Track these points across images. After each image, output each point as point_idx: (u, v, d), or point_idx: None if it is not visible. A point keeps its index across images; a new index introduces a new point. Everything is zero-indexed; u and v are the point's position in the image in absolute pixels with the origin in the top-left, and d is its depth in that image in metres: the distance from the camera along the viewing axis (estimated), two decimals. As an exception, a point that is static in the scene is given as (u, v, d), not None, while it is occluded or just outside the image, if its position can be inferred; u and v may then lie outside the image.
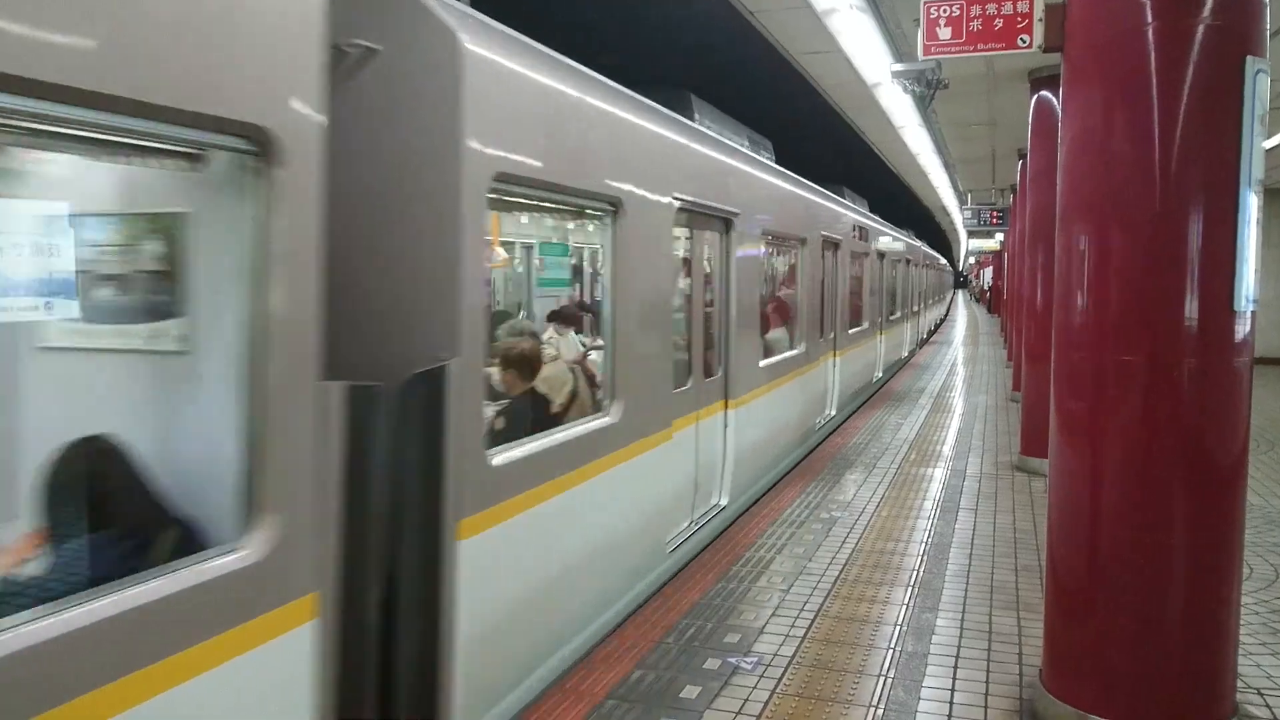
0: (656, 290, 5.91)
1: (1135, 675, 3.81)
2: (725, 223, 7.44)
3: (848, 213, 13.43)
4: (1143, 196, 3.75)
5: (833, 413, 12.21)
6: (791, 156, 10.61)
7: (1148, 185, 3.74)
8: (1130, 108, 3.81)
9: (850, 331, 13.43)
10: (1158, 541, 3.76)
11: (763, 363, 8.63)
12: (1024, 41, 4.63)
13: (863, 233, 14.29)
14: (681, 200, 6.27)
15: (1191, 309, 3.69)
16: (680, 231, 6.62)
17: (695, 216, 6.87)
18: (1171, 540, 3.76)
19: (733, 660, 4.70)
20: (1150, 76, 3.73)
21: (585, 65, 5.10)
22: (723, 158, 7.52)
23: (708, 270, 7.38)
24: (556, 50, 4.77)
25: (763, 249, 8.80)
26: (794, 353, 9.87)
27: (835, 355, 12.22)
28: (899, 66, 7.42)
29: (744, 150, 8.50)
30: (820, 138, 23.10)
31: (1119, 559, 3.84)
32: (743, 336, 7.82)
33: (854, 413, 13.42)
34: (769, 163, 9.41)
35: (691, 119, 7.25)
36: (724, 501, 7.53)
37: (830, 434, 11.59)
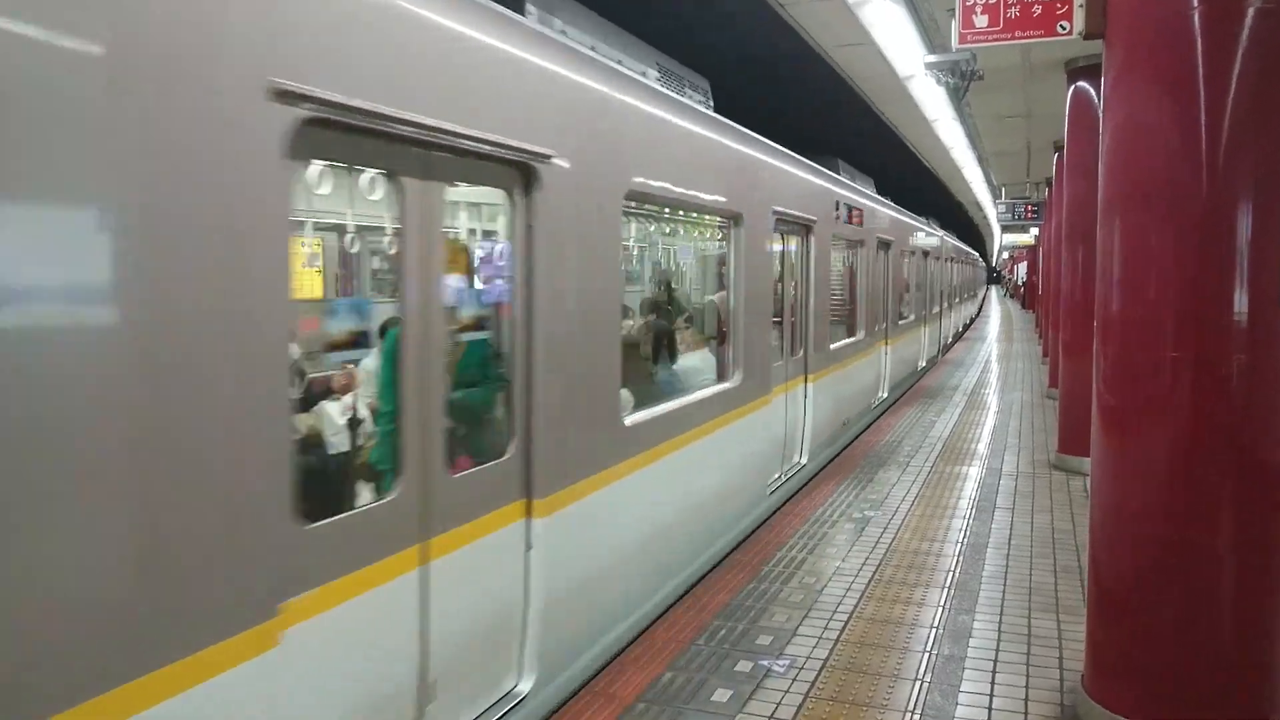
0: (763, 282, 7.38)
1: (1179, 680, 3.70)
2: (806, 228, 8.74)
3: (899, 215, 14.60)
4: (1189, 188, 3.63)
5: (885, 395, 13.48)
6: (823, 151, 10.48)
7: (1194, 176, 3.61)
8: (1176, 95, 3.68)
9: (900, 323, 14.70)
10: (1203, 542, 3.64)
11: (833, 345, 9.89)
12: (1064, 28, 4.50)
13: (910, 232, 15.33)
14: (778, 212, 7.60)
15: (1240, 304, 3.56)
16: (777, 236, 7.82)
17: (787, 224, 8.05)
18: (1218, 541, 3.64)
19: (765, 663, 4.63)
20: (1197, 63, 3.60)
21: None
22: (804, 174, 8.79)
23: (794, 266, 8.74)
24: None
25: (833, 250, 9.94)
26: (856, 339, 11.35)
27: (887, 343, 13.53)
28: (932, 58, 7.27)
29: (815, 165, 9.52)
30: (850, 131, 22.89)
31: (1163, 560, 3.72)
32: (820, 322, 9.23)
33: (900, 398, 14.40)
34: (836, 175, 10.52)
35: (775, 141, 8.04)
36: (804, 460, 8.80)
37: (880, 415, 12.80)
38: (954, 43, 4.93)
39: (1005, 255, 68.75)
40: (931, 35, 8.60)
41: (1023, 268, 55.25)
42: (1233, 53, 3.55)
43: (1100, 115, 4.09)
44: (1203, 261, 3.61)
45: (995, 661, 4.68)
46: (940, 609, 5.40)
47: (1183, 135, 3.63)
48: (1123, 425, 3.91)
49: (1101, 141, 4.05)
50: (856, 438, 11.06)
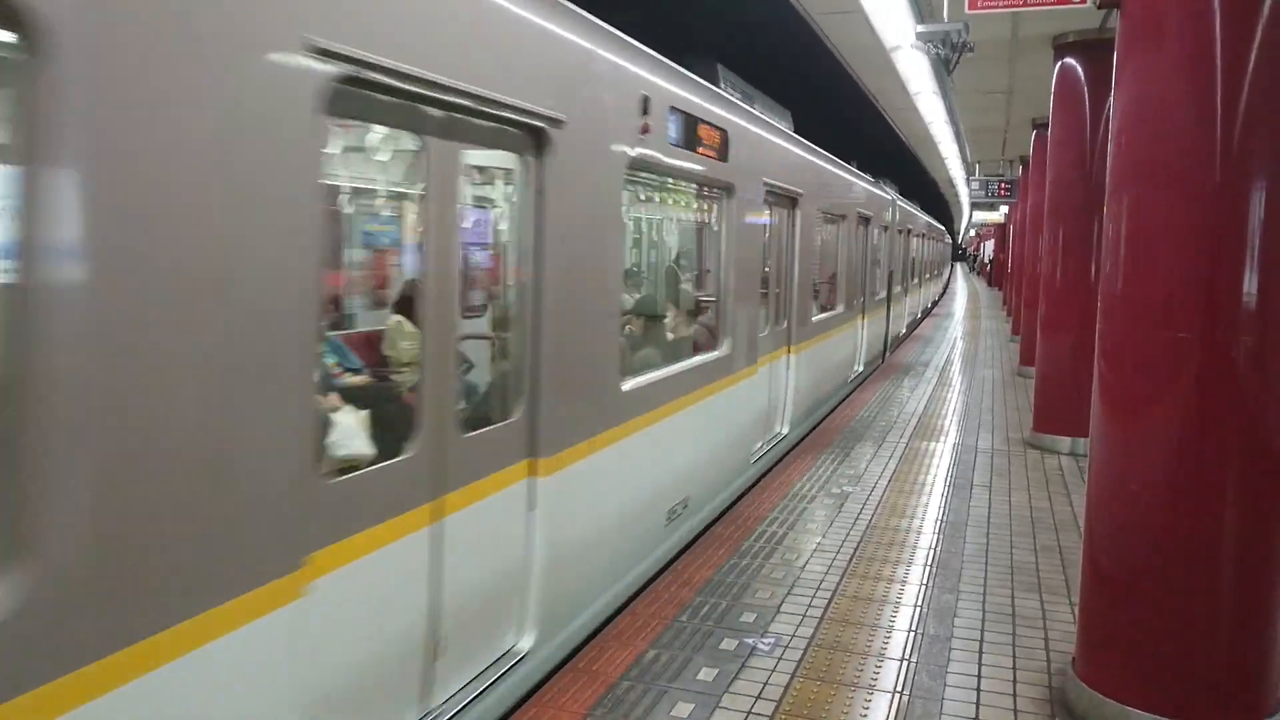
0: (752, 254, 7.48)
1: (1176, 665, 3.65)
2: (793, 201, 8.81)
3: (877, 191, 14.69)
4: (1202, 166, 3.54)
5: (860, 368, 13.67)
6: (803, 124, 10.33)
7: (1208, 154, 3.52)
8: (1192, 72, 3.58)
9: (875, 298, 14.83)
10: (1206, 526, 3.58)
11: (815, 317, 10.07)
12: (1079, -4, 4.36)
13: (887, 208, 15.61)
14: (768, 184, 7.67)
15: (1250, 285, 3.49)
16: (765, 208, 7.90)
17: (775, 196, 8.14)
18: (1221, 525, 3.58)
19: (750, 641, 4.54)
20: (1216, 35, 3.50)
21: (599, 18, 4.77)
22: (791, 146, 8.78)
23: (780, 238, 8.75)
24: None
25: (818, 224, 10.04)
26: (835, 312, 11.49)
27: (863, 317, 13.67)
28: (924, 28, 7.11)
29: (801, 139, 9.53)
30: (834, 105, 22.72)
31: (1164, 543, 3.66)
32: (803, 293, 9.33)
33: (873, 373, 14.48)
34: (820, 150, 10.52)
35: (722, 90, 7.24)
36: (785, 430, 8.93)
37: (852, 391, 12.80)
38: (964, 8, 4.77)
39: (972, 233, 69.21)
40: (921, 5, 8.44)
41: (989, 245, 55.64)
42: (1253, 25, 3.45)
43: (1112, 91, 3.96)
44: (1214, 241, 3.53)
45: (981, 642, 4.63)
46: (923, 587, 5.35)
47: (1198, 110, 3.53)
48: (1126, 405, 3.83)
49: (1111, 118, 3.94)
50: (832, 411, 11.15)
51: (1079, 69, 9.07)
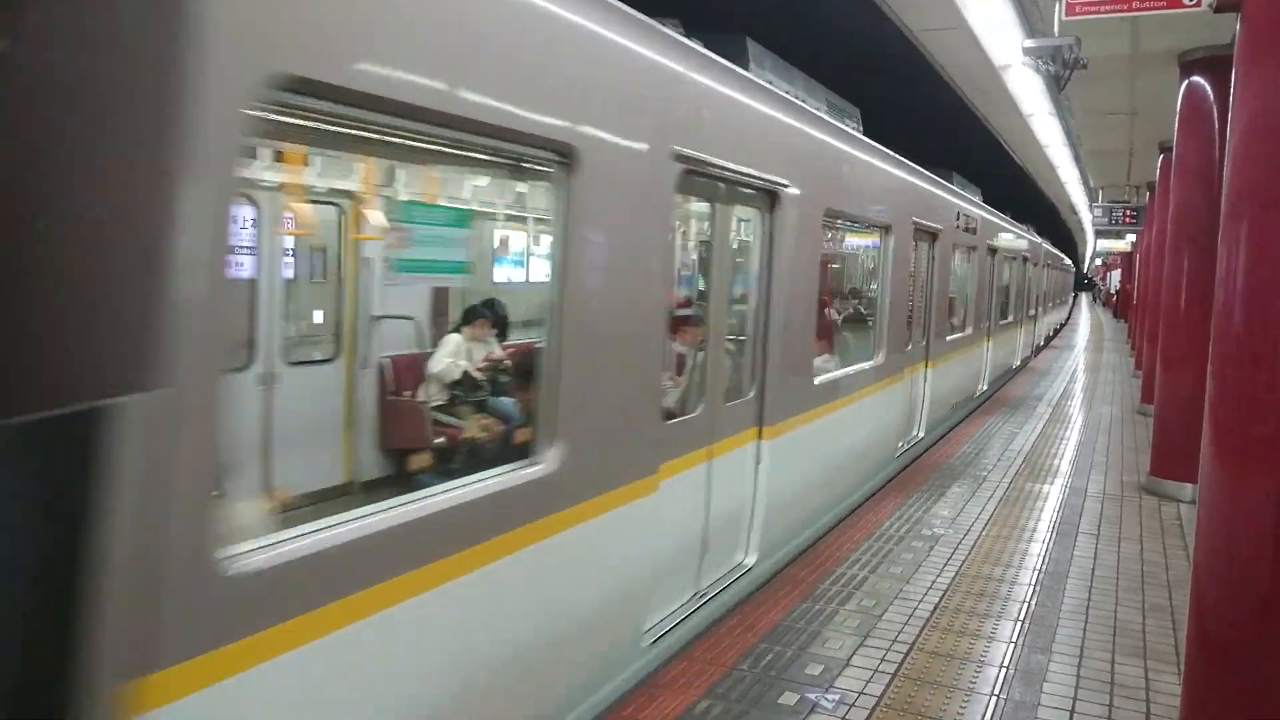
0: (903, 281, 8.91)
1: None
2: (933, 236, 10.21)
3: (1003, 223, 15.82)
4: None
5: (985, 388, 14.85)
6: (906, 145, 9.93)
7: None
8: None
9: (1001, 322, 16.13)
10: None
11: (949, 337, 11.49)
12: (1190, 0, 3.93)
13: (1012, 238, 16.68)
14: (915, 222, 9.12)
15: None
16: (913, 243, 9.31)
17: (920, 233, 9.49)
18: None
19: (812, 696, 4.21)
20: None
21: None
22: (933, 189, 10.28)
23: (923, 268, 10.22)
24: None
25: (952, 255, 11.47)
26: (965, 334, 12.81)
27: (989, 340, 14.93)
28: (1031, 43, 6.68)
29: (938, 179, 10.76)
30: (942, 125, 21.99)
31: (1274, 608, 3.20)
32: (939, 316, 10.80)
33: (997, 392, 15.44)
34: (953, 187, 11.74)
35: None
36: (920, 434, 10.33)
37: (975, 409, 13.60)
38: (1059, 14, 4.39)
39: (1098, 262, 66.28)
40: (1033, 20, 7.98)
41: (1116, 274, 53.13)
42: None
43: (1230, 107, 3.54)
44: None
45: (1072, 713, 4.18)
46: (1012, 645, 4.91)
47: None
48: (1240, 454, 3.38)
49: (1230, 136, 3.51)
50: (955, 426, 11.93)
51: (1207, 88, 8.41)
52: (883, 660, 4.64)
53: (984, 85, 10.93)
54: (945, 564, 6.19)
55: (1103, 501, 8.17)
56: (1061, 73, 6.90)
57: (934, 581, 5.83)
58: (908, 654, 4.73)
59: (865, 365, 8.10)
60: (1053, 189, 26.12)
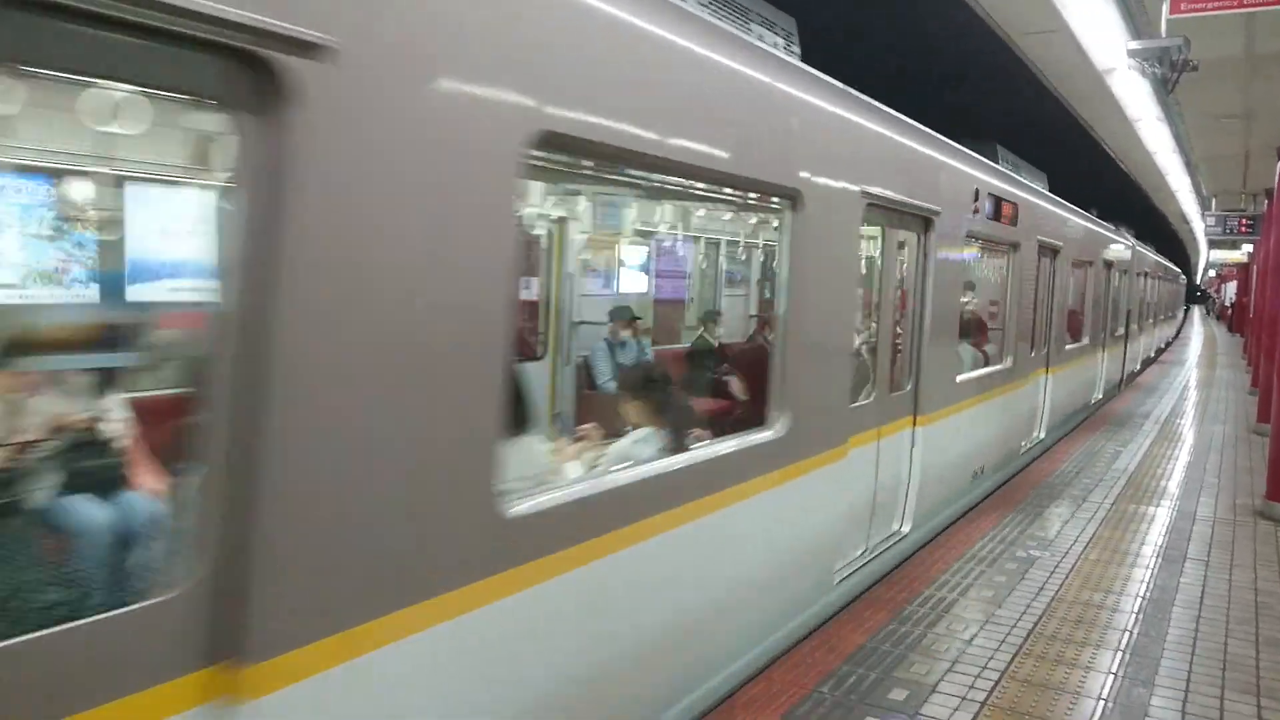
0: (1028, 294, 9.67)
1: None
2: (1054, 252, 10.87)
3: (1115, 238, 16.01)
4: None
5: (1100, 395, 15.50)
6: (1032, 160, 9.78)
7: None
8: None
9: (1114, 334, 16.68)
10: None
11: (1067, 346, 12.19)
12: (1309, -6, 3.68)
13: (1118, 253, 16.85)
14: (1040, 240, 9.92)
15: None
16: (1037, 259, 10.06)
17: (1043, 249, 10.18)
18: None
19: (895, 723, 4.07)
20: None
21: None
22: (1054, 208, 10.93)
23: (1044, 282, 10.74)
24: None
25: (1071, 269, 12.18)
26: (1082, 344, 13.46)
27: (1104, 350, 15.49)
28: (1136, 44, 6.40)
29: (1061, 201, 11.55)
30: (1040, 132, 21.32)
31: None
32: (1058, 326, 11.43)
33: (1111, 400, 15.97)
34: (1064, 202, 12.01)
35: (1000, 166, 9.28)
36: (1042, 435, 11.08)
37: (1087, 416, 14.08)
38: (1165, 13, 4.17)
39: (1211, 273, 63.34)
40: (1138, 22, 7.65)
41: (1231, 287, 50.67)
42: None
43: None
44: None
45: (1177, 751, 3.94)
46: (1111, 676, 4.65)
47: None
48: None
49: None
50: (1068, 434, 12.15)
51: (1331, 87, 7.94)
52: (971, 688, 4.45)
53: (1085, 91, 10.54)
54: (1040, 589, 5.93)
55: (1213, 526, 7.73)
56: (1169, 75, 6.59)
57: (1028, 607, 5.59)
58: (998, 682, 4.53)
59: (996, 368, 9.01)
60: (1160, 196, 25.06)
